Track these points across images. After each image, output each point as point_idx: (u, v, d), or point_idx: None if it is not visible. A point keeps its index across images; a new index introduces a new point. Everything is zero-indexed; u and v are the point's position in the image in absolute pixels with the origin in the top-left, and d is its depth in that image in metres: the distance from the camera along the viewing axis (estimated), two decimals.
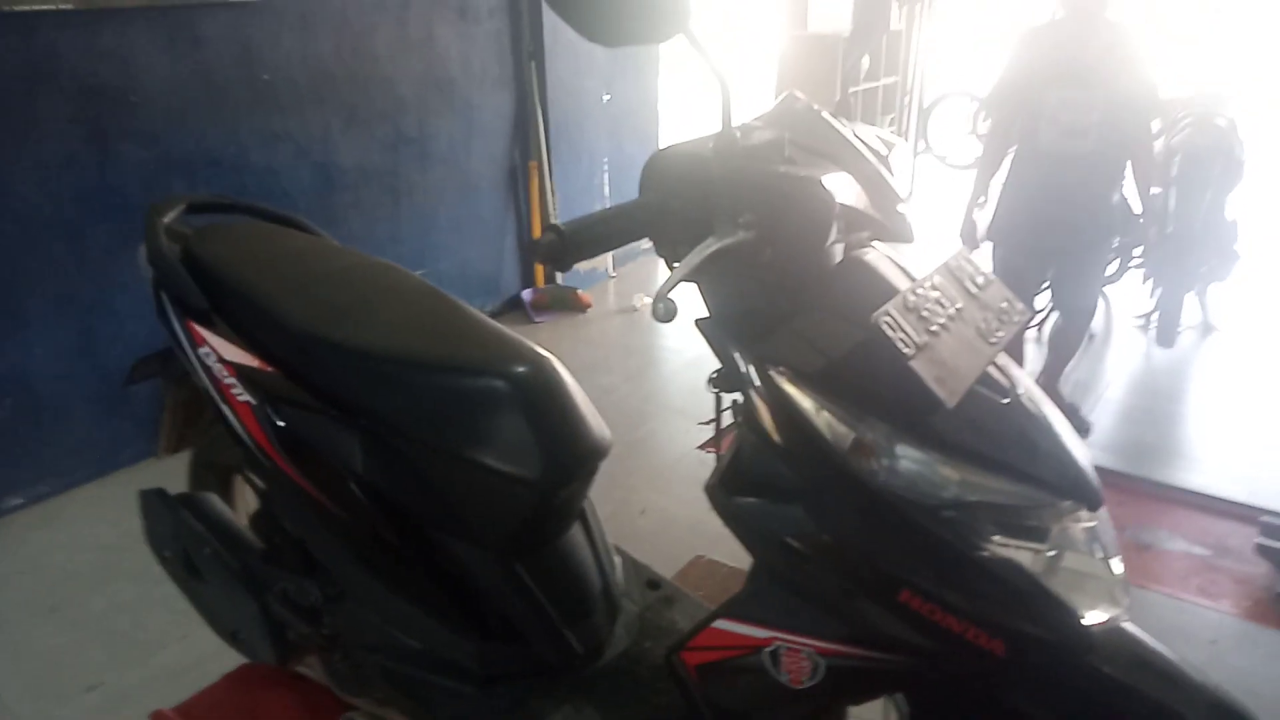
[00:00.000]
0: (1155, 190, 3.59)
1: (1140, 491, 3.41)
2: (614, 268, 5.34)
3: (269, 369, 1.52)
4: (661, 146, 1.15)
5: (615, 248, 1.08)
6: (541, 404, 1.46)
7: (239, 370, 1.53)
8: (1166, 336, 4.15)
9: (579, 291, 4.84)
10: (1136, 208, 3.54)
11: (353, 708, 1.97)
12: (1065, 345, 3.59)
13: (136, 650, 2.36)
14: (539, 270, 4.86)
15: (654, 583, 1.81)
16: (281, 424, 1.49)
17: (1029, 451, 1.05)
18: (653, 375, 4.34)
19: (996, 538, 1.02)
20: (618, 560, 1.77)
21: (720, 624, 1.15)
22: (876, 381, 1.03)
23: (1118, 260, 4.37)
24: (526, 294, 4.78)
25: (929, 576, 1.01)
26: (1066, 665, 1.05)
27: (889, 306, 1.00)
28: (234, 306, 1.57)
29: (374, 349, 1.46)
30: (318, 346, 1.48)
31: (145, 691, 2.18)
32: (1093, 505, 1.05)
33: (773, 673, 1.11)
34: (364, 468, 1.49)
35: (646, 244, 1.16)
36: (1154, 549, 3.12)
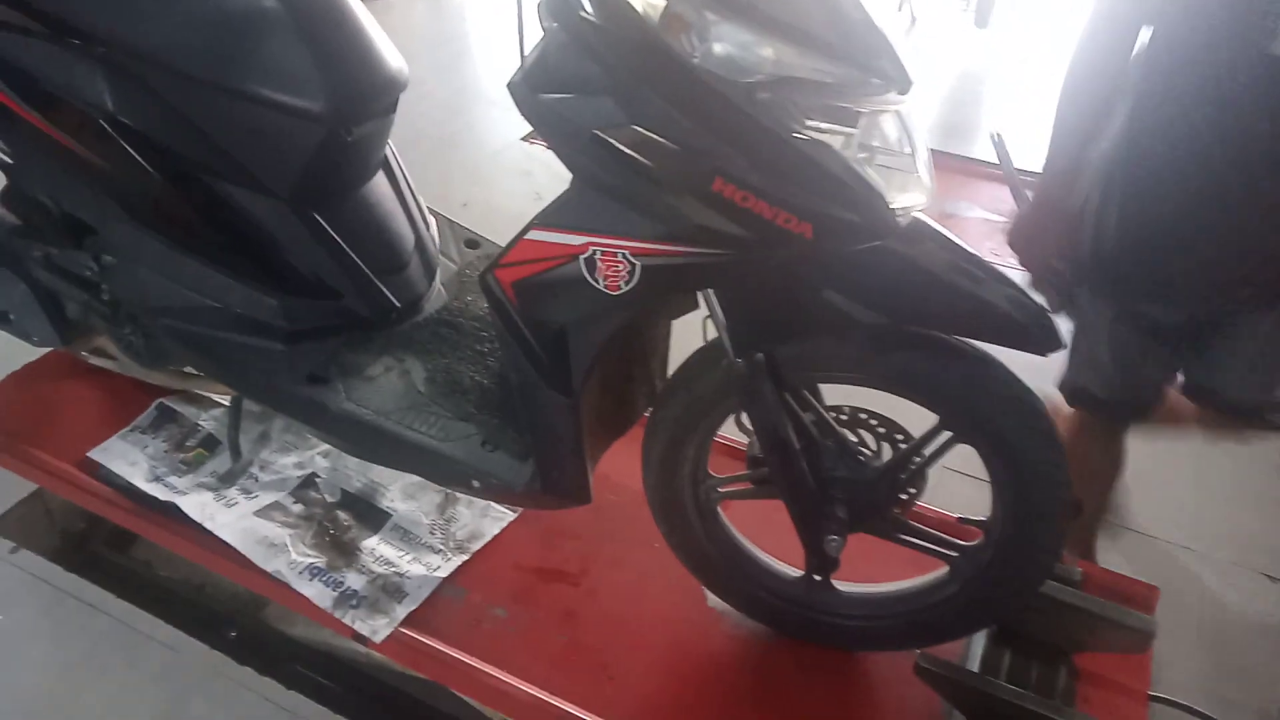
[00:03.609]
0: None
1: (946, 167, 3.57)
2: None
3: None
4: None
5: None
6: (321, 24, 1.29)
7: None
8: (983, 17, 4.20)
9: None
10: None
11: (165, 394, 1.88)
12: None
13: None
14: None
15: (472, 242, 1.74)
16: None
17: (844, 29, 1.00)
18: (466, 66, 4.04)
19: (809, 122, 1.00)
20: (433, 220, 1.68)
21: (534, 235, 1.11)
22: None
23: None
24: None
25: (741, 163, 0.98)
26: (872, 251, 1.07)
27: None
28: None
29: None
30: None
31: None
32: (903, 88, 1.03)
33: (589, 280, 1.09)
34: (115, 106, 1.29)
35: None
36: (956, 217, 3.33)
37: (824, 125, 1.00)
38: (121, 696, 1.67)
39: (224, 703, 1.67)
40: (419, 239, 1.57)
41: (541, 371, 1.22)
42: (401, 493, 1.72)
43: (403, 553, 1.62)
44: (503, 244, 1.84)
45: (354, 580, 1.55)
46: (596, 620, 1.55)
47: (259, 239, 1.40)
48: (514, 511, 1.71)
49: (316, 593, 1.52)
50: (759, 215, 0.99)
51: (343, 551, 1.60)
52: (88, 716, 1.65)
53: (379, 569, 1.58)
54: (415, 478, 1.67)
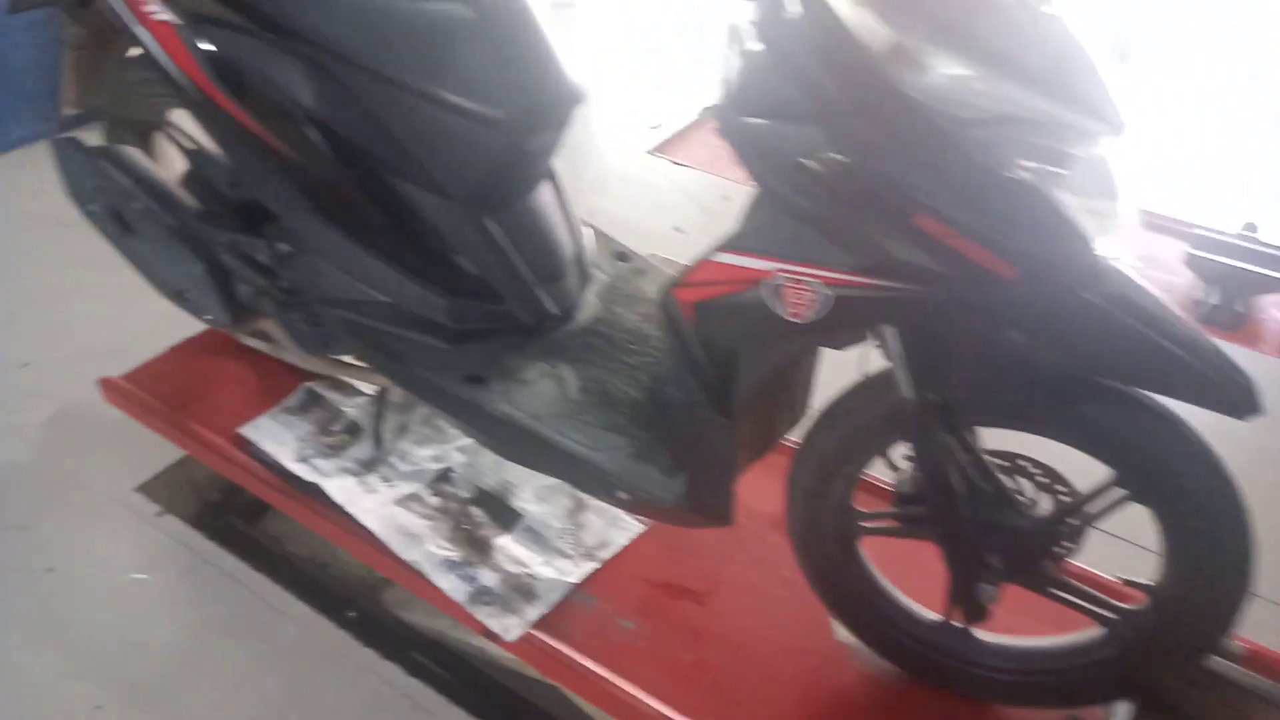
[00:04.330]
0: None
1: None
2: None
3: None
4: None
5: None
6: (511, 36, 1.32)
7: None
8: (1124, 51, 4.04)
9: None
10: None
11: (311, 378, 1.95)
12: None
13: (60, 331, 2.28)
14: None
15: (623, 255, 1.76)
16: (210, 47, 1.32)
17: (1064, 68, 0.99)
18: (591, 75, 4.07)
19: (1019, 160, 0.97)
20: (587, 230, 1.70)
21: (719, 256, 1.11)
22: None
23: None
24: None
25: (946, 198, 0.97)
26: (1066, 295, 1.04)
27: None
28: None
29: None
30: None
31: (77, 367, 2.12)
32: (1117, 129, 1.00)
33: (772, 306, 1.08)
34: (313, 102, 1.34)
35: None
36: None
37: (1035, 165, 0.98)
38: (251, 668, 1.73)
39: (348, 683, 1.71)
40: (577, 249, 1.59)
41: (706, 391, 1.22)
42: (534, 494, 1.75)
43: (534, 554, 1.64)
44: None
45: (486, 577, 1.58)
46: (723, 642, 1.54)
47: (432, 239, 1.44)
48: (643, 524, 1.71)
49: (452, 586, 1.55)
50: (962, 253, 0.97)
51: (477, 548, 1.63)
52: (218, 682, 1.71)
53: (511, 568, 1.60)
54: (548, 480, 1.69)
